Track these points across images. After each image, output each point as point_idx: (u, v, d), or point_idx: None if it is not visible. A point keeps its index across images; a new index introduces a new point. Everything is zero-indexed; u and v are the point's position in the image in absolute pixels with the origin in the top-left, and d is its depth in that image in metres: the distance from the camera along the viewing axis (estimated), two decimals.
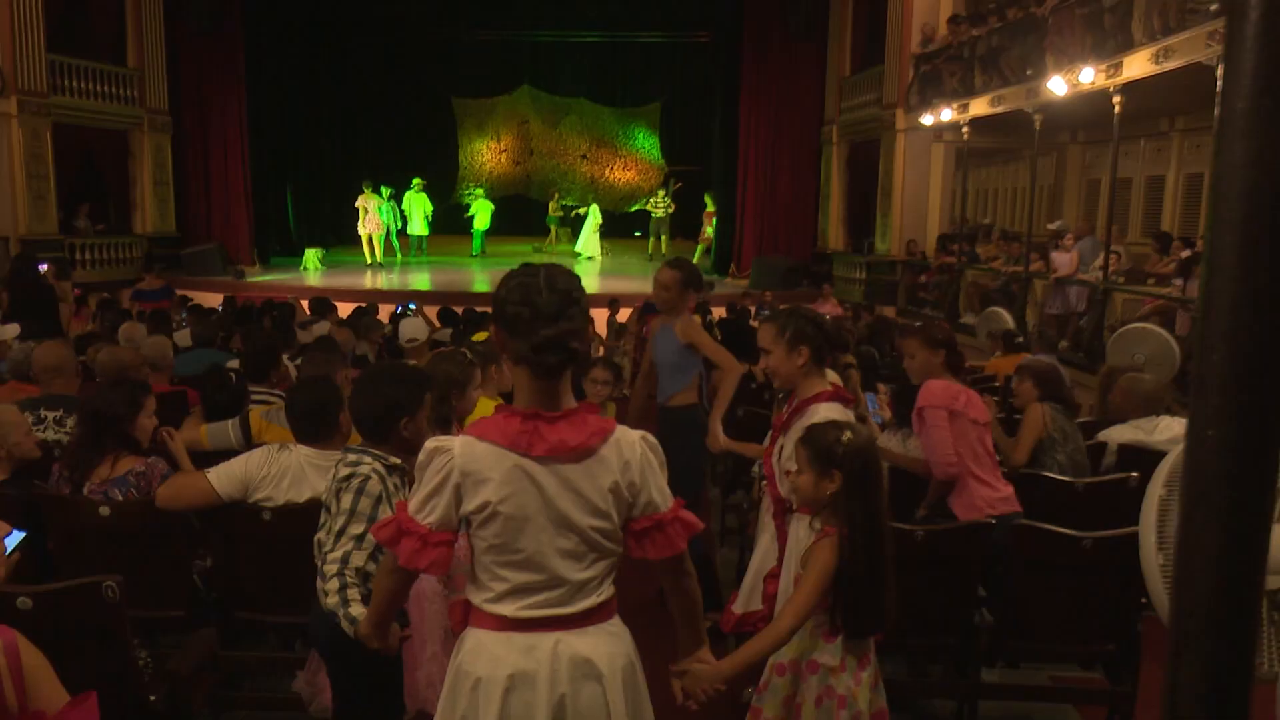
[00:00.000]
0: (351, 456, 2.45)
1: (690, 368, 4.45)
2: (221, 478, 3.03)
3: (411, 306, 11.57)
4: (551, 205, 22.13)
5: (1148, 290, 9.74)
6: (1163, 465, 1.73)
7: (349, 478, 2.40)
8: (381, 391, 2.50)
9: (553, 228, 22.01)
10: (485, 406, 4.35)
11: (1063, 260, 10.99)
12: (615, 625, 1.91)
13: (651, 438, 1.91)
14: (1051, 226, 12.19)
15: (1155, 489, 1.71)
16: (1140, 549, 1.70)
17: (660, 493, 1.89)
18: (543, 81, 24.21)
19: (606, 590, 1.89)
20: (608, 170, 24.86)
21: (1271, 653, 1.56)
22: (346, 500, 2.37)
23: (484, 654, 1.83)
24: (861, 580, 2.34)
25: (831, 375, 4.09)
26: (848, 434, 2.43)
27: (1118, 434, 4.37)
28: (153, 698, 2.65)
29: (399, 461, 2.48)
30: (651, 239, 20.23)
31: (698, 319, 4.68)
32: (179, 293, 13.03)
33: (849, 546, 2.34)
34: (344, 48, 20.65)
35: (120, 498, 3.17)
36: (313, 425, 3.01)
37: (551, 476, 1.80)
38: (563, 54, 23.48)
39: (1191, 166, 11.96)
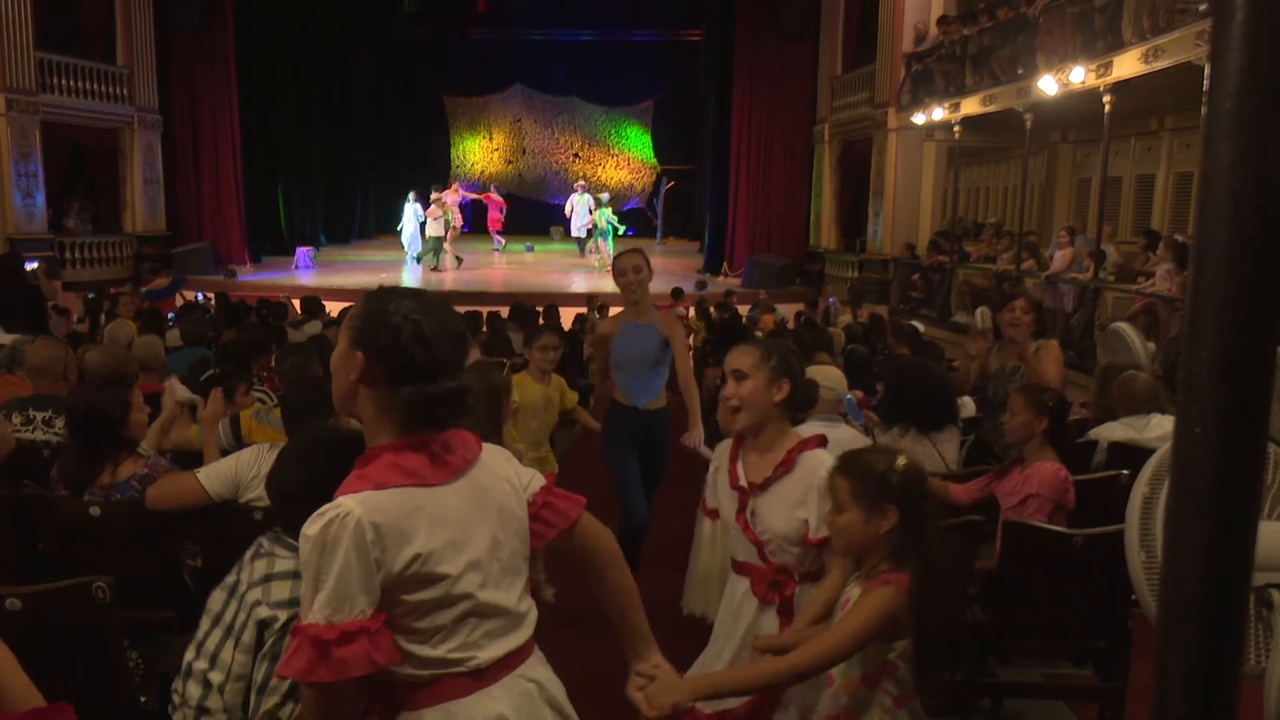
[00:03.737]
0: (264, 550, 2.00)
1: (665, 366, 4.37)
2: (211, 478, 3.02)
3: None
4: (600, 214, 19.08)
5: (1137, 288, 9.78)
6: (1149, 463, 1.74)
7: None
8: (304, 462, 1.97)
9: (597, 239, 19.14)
10: (528, 386, 4.44)
11: (1057, 258, 11.05)
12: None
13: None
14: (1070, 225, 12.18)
15: (1140, 487, 1.71)
16: (1125, 547, 1.70)
17: (527, 473, 1.75)
18: (535, 80, 24.20)
19: (534, 609, 1.72)
20: (600, 169, 24.86)
21: (1258, 648, 1.57)
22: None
23: None
24: (936, 638, 2.02)
25: (828, 372, 4.10)
26: (901, 460, 2.06)
27: (1108, 432, 4.39)
28: (144, 699, 2.64)
29: None
30: (588, 243, 19.04)
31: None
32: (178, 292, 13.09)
33: (919, 595, 2.00)
34: (335, 46, 20.60)
35: None
36: (307, 425, 2.99)
37: (463, 499, 1.58)
38: (555, 52, 23.49)
39: (1181, 165, 12.01)
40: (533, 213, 23.69)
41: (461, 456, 1.61)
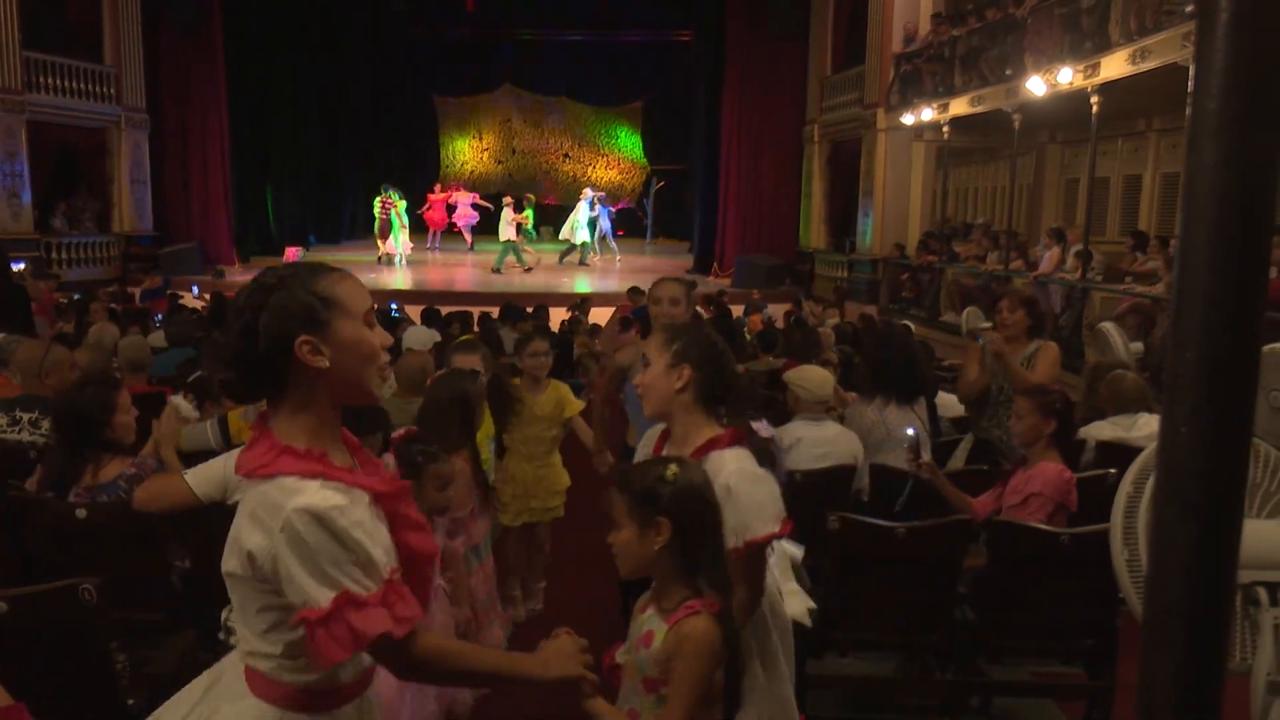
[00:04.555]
0: None
1: None
2: (200, 479, 3.00)
3: (393, 305, 11.52)
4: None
5: (1125, 289, 9.83)
6: (1135, 462, 1.75)
7: None
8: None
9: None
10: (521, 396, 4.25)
11: (1044, 258, 11.10)
12: None
13: None
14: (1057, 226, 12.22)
15: (1124, 486, 1.73)
16: (1111, 545, 1.72)
17: None
18: (525, 80, 24.18)
19: None
20: (590, 169, 24.85)
21: (1245, 646, 1.58)
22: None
23: None
24: (736, 661, 1.84)
25: (807, 374, 4.10)
26: (672, 468, 1.86)
27: (1096, 431, 4.41)
28: (131, 701, 2.63)
29: None
30: (514, 247, 18.26)
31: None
32: (169, 291, 13.06)
33: (729, 617, 1.83)
34: (325, 46, 20.53)
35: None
36: None
37: None
38: (545, 52, 23.47)
39: (1168, 166, 12.08)
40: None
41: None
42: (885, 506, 3.81)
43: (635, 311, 10.32)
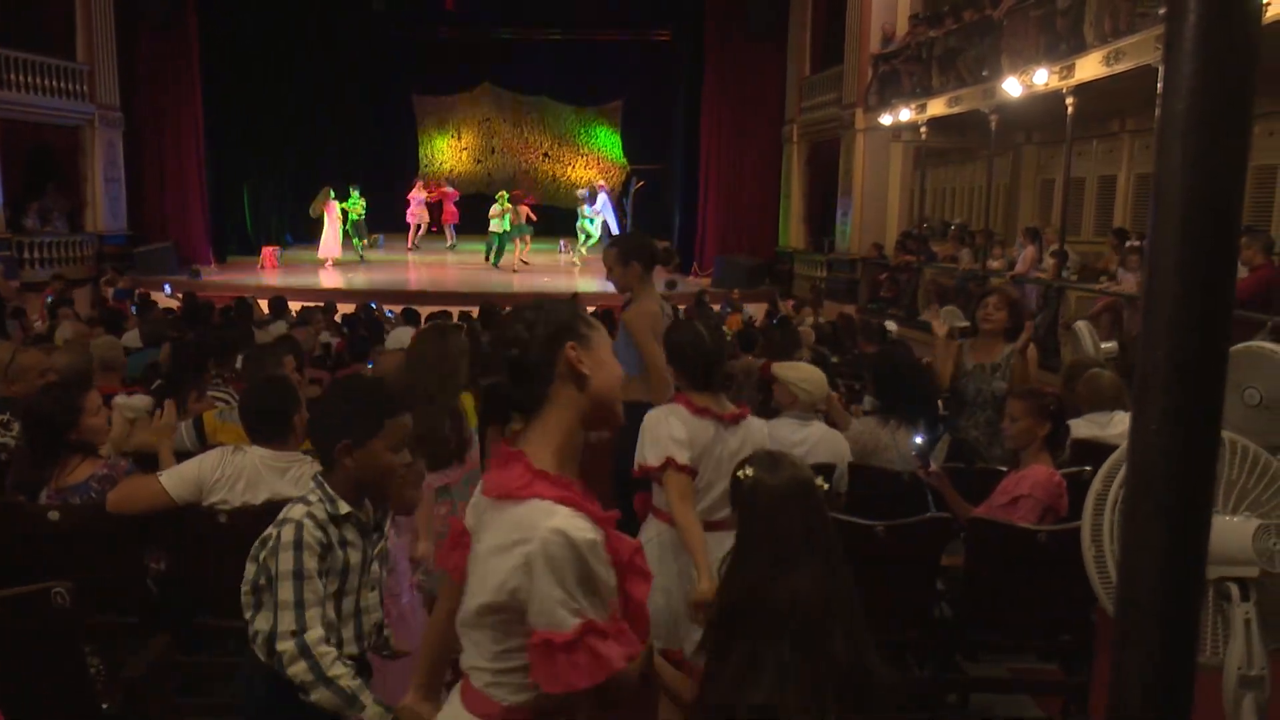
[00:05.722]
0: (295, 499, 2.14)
1: (635, 359, 4.14)
2: (175, 480, 2.97)
3: (373, 305, 11.46)
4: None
5: (1100, 288, 9.92)
6: (1107, 461, 1.76)
7: (265, 540, 2.06)
8: (328, 408, 2.18)
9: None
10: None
11: (1020, 258, 11.19)
12: None
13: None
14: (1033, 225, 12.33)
15: (1095, 484, 1.74)
16: (1081, 542, 1.73)
17: None
18: (504, 79, 24.10)
19: None
20: (569, 169, 24.81)
21: (1216, 641, 1.60)
22: (272, 565, 2.02)
23: None
24: None
25: (818, 374, 4.11)
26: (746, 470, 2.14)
27: (1074, 428, 4.44)
28: (105, 705, 2.60)
29: (348, 510, 2.09)
30: (491, 250, 18.27)
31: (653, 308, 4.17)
32: (139, 290, 12.90)
33: None
34: (302, 44, 20.37)
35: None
36: (267, 427, 2.96)
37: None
38: (524, 52, 23.39)
39: (1141, 166, 12.21)
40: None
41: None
42: (877, 506, 3.81)
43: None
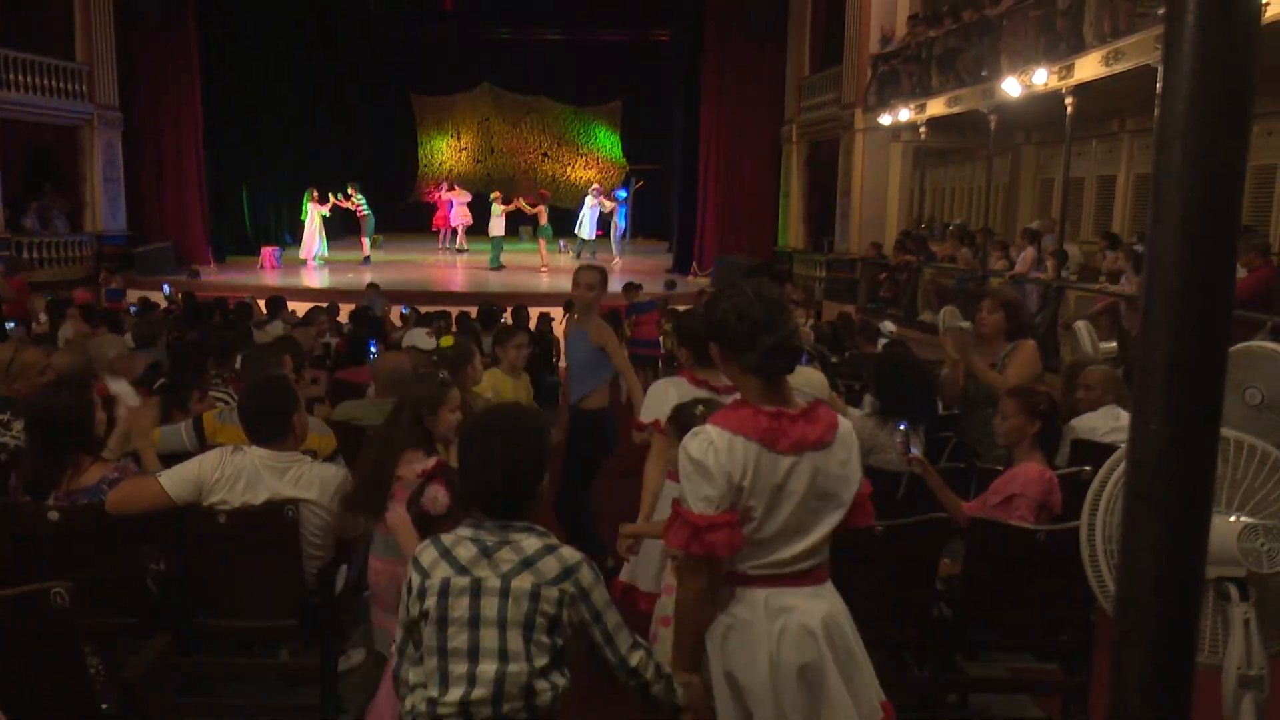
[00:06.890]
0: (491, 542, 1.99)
1: (602, 370, 4.59)
2: (174, 481, 2.97)
3: (371, 305, 11.43)
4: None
5: (1099, 288, 9.93)
6: (1108, 461, 1.77)
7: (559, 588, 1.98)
8: (525, 455, 2.05)
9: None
10: (503, 382, 4.68)
11: (1020, 258, 11.19)
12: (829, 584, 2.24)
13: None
14: (1033, 226, 12.33)
15: (1094, 484, 1.74)
16: (1080, 542, 1.73)
17: (861, 468, 2.26)
18: (503, 79, 24.11)
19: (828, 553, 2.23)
20: (569, 169, 24.82)
21: (1215, 641, 1.60)
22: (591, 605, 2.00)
23: (758, 608, 2.12)
24: None
25: (818, 376, 4.12)
26: (700, 407, 2.68)
27: (1079, 424, 4.43)
28: (104, 705, 2.60)
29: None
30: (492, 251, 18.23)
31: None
32: (136, 293, 12.90)
33: None
34: (301, 44, 20.37)
35: None
36: (266, 427, 2.96)
37: (794, 464, 2.10)
38: (523, 52, 23.41)
39: (1141, 166, 12.21)
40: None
41: (807, 435, 2.12)
42: (876, 506, 3.81)
43: (635, 307, 10.36)
